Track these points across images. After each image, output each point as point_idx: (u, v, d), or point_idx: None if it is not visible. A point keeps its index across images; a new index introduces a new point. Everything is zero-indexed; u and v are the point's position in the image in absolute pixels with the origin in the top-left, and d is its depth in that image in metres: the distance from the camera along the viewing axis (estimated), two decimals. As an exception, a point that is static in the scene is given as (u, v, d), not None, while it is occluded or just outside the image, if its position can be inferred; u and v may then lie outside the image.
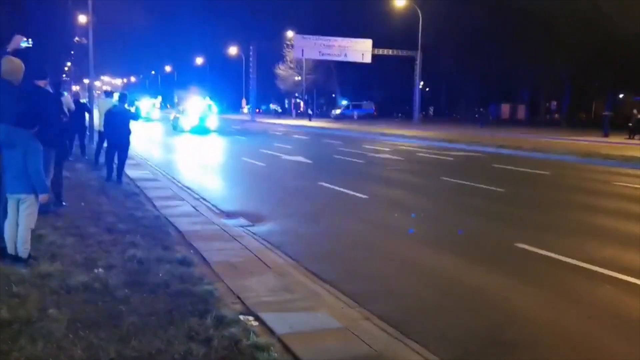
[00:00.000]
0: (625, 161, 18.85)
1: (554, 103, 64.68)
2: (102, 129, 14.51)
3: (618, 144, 26.70)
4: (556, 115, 61.42)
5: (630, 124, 31.54)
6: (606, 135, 32.09)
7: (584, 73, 47.56)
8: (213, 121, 34.19)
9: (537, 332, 4.80)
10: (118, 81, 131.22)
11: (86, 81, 41.79)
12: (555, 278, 6.28)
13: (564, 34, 43.65)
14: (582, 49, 43.25)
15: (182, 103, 43.60)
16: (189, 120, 33.58)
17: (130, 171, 13.54)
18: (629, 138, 30.31)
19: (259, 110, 73.63)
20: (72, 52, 64.14)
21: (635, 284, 6.00)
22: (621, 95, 50.04)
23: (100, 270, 5.50)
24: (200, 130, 32.92)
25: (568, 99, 54.86)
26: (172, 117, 38.43)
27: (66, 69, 69.46)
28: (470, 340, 4.56)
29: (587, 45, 42.45)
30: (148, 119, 50.03)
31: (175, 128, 34.73)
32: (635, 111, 32.22)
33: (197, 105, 35.33)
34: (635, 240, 8.04)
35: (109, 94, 17.40)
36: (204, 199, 10.75)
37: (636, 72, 42.53)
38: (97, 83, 78.53)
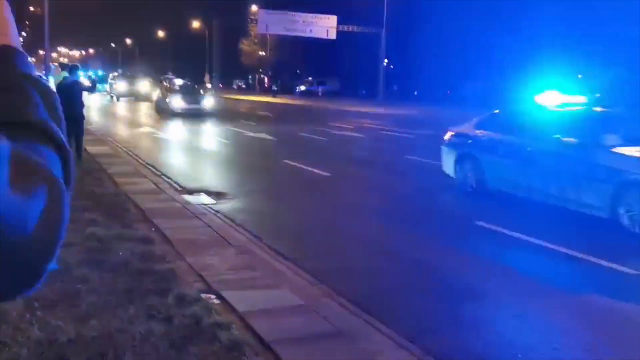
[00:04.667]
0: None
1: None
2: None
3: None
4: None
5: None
6: None
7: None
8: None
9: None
10: (76, 53, 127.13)
11: (42, 52, 40.40)
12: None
13: None
14: None
15: None
16: None
17: (90, 147, 13.25)
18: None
19: (222, 85, 72.71)
20: (27, 23, 61.98)
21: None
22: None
23: (58, 248, 5.40)
24: None
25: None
26: None
27: (21, 39, 67.11)
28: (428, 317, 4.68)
29: None
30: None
31: None
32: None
33: None
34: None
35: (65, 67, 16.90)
36: (166, 176, 10.62)
37: None
38: (54, 54, 76.06)
